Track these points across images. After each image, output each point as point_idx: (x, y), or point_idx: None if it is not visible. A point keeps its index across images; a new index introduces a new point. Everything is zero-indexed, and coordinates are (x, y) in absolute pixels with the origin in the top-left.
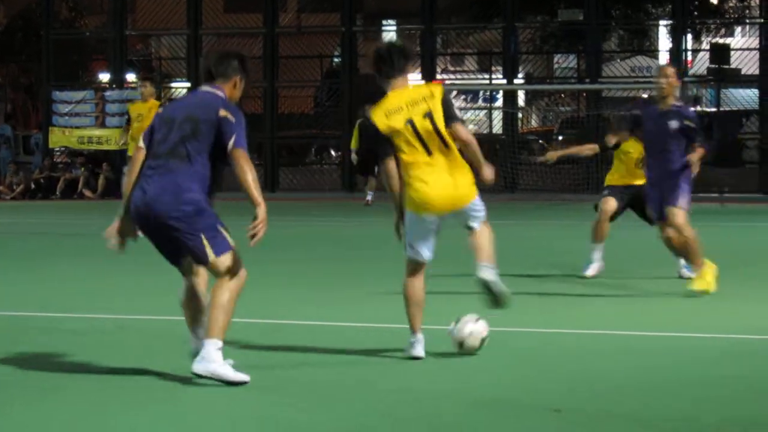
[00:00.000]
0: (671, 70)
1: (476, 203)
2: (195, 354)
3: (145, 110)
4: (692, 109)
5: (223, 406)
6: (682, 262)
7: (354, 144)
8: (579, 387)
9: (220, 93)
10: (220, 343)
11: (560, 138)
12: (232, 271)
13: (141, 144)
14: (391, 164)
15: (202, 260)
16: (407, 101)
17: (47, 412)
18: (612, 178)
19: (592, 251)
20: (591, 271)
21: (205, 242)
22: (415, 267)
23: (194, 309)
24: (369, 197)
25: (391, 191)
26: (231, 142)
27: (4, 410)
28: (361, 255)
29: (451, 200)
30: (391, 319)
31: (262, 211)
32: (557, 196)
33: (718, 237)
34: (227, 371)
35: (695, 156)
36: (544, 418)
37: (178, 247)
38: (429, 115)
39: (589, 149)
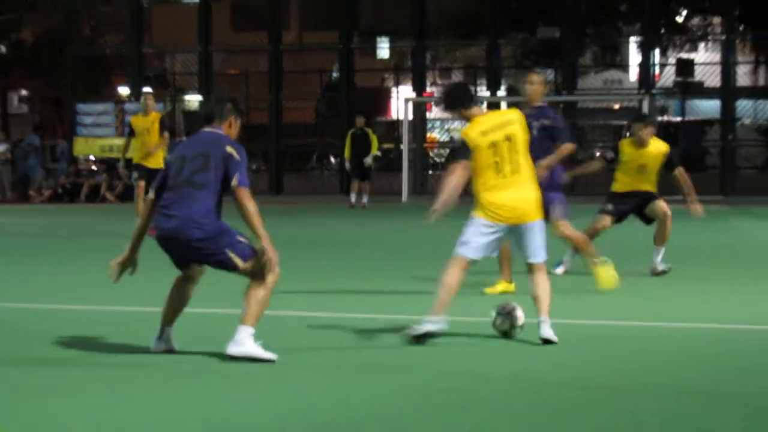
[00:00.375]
0: (536, 77)
1: (540, 224)
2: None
3: (149, 123)
4: (553, 110)
5: (247, 386)
6: (659, 258)
7: (347, 153)
8: (566, 370)
9: (222, 132)
10: (252, 331)
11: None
12: (263, 271)
13: (151, 195)
14: (462, 170)
15: (232, 269)
16: (492, 126)
17: (77, 398)
18: (615, 186)
19: (567, 253)
20: (560, 269)
21: (231, 254)
22: (461, 262)
23: (180, 303)
24: (365, 199)
25: (445, 185)
26: (235, 181)
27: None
28: (359, 253)
29: (520, 213)
30: (389, 311)
31: (266, 242)
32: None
33: (685, 235)
34: (259, 351)
35: (548, 160)
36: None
37: (200, 262)
38: (510, 138)
39: (597, 165)
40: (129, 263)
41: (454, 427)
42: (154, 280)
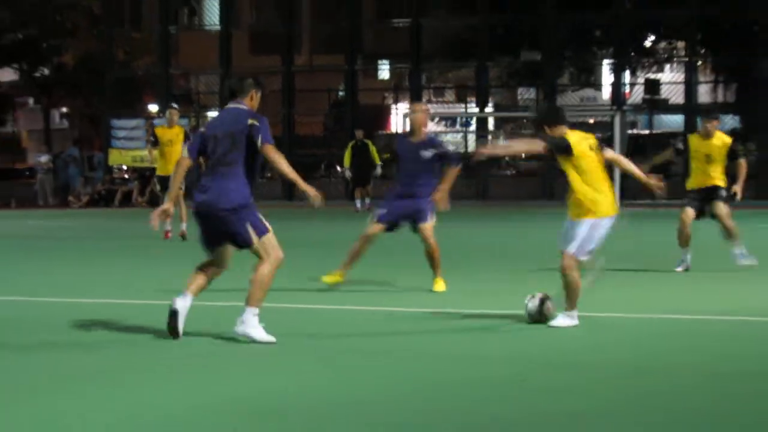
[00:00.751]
0: (421, 107)
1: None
2: (175, 313)
3: (173, 135)
4: (436, 137)
5: (249, 370)
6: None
7: (347, 162)
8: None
9: (244, 106)
10: (257, 311)
11: (523, 156)
12: (271, 251)
13: (185, 154)
14: (538, 147)
15: (247, 243)
16: (582, 137)
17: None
18: (689, 183)
19: (683, 253)
20: (680, 267)
21: (250, 229)
22: (580, 264)
23: (205, 281)
24: (368, 202)
25: (515, 143)
26: (259, 141)
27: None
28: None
29: (614, 204)
30: (386, 304)
31: (303, 184)
32: (520, 203)
33: (653, 236)
34: (259, 333)
35: (448, 183)
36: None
37: (225, 233)
38: (592, 147)
39: (668, 154)
40: (166, 213)
41: (455, 412)
42: (159, 277)
